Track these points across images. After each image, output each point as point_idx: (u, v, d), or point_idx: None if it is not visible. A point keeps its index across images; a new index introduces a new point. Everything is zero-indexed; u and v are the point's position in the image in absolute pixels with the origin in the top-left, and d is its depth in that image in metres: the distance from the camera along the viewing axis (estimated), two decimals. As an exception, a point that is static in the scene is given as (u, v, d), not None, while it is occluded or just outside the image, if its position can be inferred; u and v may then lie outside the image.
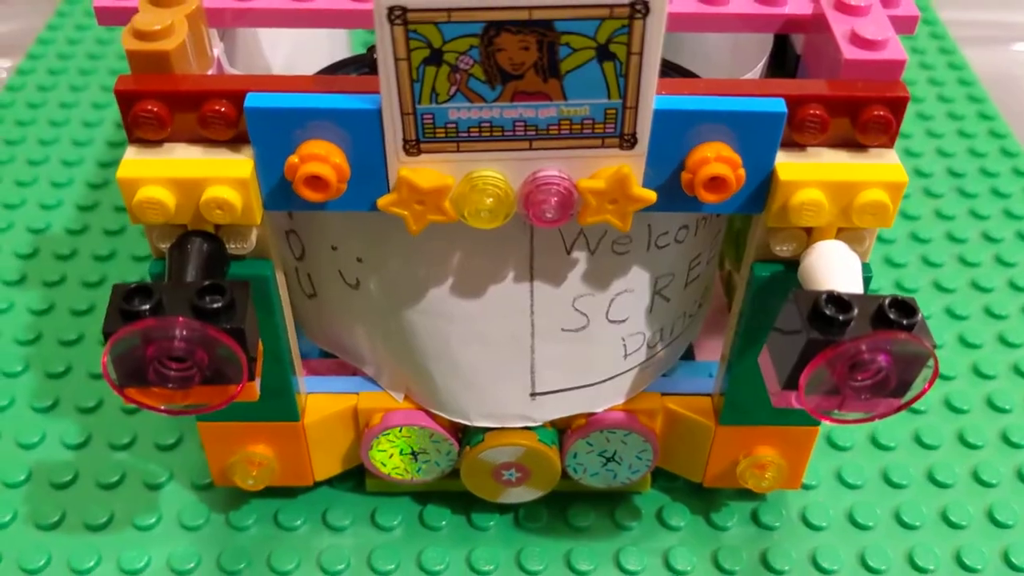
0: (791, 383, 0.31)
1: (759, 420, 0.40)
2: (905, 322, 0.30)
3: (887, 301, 0.30)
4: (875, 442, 0.47)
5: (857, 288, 0.32)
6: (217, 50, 0.36)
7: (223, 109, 0.32)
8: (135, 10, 0.34)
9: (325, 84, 0.32)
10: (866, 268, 0.35)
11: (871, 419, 0.32)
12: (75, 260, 0.56)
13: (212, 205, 0.32)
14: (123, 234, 0.58)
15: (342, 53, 0.49)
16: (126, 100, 0.32)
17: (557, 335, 0.39)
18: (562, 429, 0.42)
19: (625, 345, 0.40)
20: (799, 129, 0.33)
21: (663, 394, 0.42)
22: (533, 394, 0.40)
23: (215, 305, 0.30)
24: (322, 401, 0.41)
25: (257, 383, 0.32)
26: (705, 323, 0.46)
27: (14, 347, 0.51)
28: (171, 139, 0.33)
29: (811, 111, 0.32)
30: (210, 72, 0.35)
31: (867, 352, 0.30)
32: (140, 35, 0.32)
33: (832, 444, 0.47)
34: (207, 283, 0.31)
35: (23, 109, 0.68)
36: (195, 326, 0.30)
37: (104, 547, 0.43)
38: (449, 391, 0.40)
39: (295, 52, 0.46)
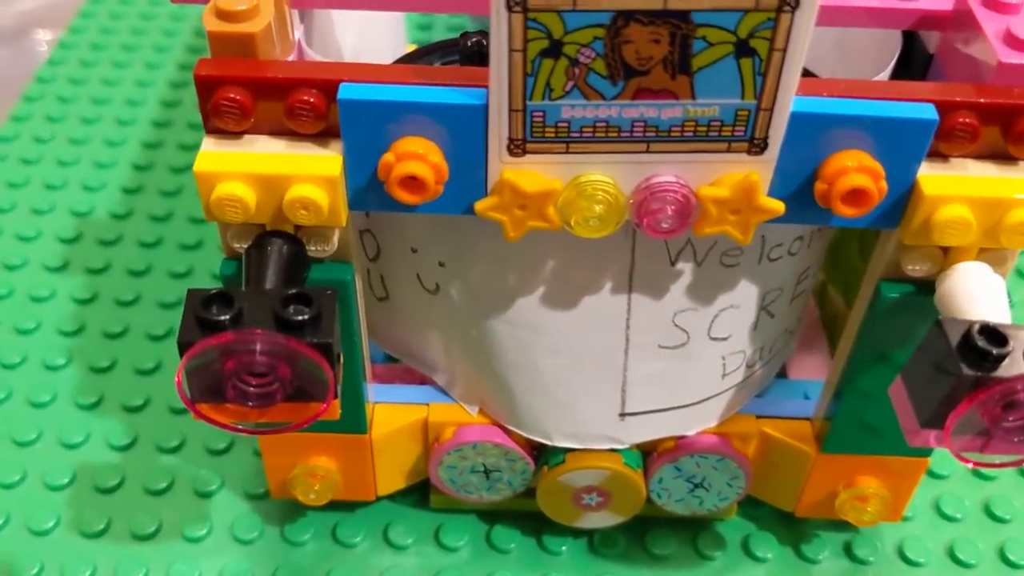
0: (934, 422, 0.28)
1: (864, 449, 0.37)
2: (1068, 358, 0.27)
3: (1046, 333, 0.27)
4: (976, 471, 0.44)
5: (1005, 317, 0.29)
6: (298, 32, 0.33)
7: (313, 100, 0.29)
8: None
9: (425, 75, 0.29)
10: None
11: (1020, 463, 0.29)
12: (120, 246, 0.53)
13: (297, 205, 0.29)
14: (169, 221, 0.55)
15: (401, 37, 0.46)
16: (207, 87, 0.29)
17: (653, 352, 0.35)
18: (648, 452, 0.39)
19: (724, 364, 0.37)
20: (947, 138, 0.29)
21: (758, 417, 0.39)
22: (622, 414, 0.37)
23: (301, 317, 0.27)
24: (390, 412, 0.39)
25: (339, 400, 0.29)
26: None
27: (57, 338, 0.48)
28: (252, 130, 0.30)
29: (962, 119, 0.29)
30: (291, 57, 0.32)
31: (1024, 392, 0.27)
32: (223, 15, 0.29)
33: (929, 472, 0.44)
34: (292, 292, 0.28)
35: (65, 85, 0.65)
36: (280, 340, 0.27)
37: (152, 559, 0.40)
38: (530, 407, 0.37)
39: (361, 36, 0.43)
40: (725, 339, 0.36)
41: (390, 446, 0.39)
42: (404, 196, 0.29)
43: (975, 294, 0.30)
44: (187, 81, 0.65)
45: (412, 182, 0.29)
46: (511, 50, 0.27)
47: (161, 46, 0.68)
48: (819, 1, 0.26)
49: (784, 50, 0.27)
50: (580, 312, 0.35)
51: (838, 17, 0.33)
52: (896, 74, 0.36)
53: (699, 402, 0.37)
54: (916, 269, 0.32)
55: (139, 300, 0.50)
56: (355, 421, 0.37)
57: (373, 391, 0.39)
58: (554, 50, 0.27)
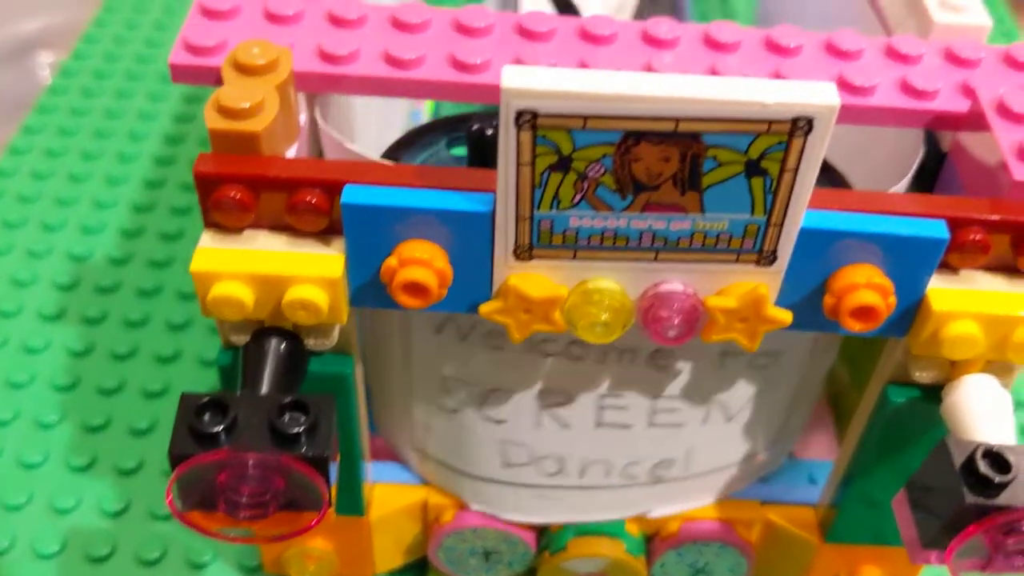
0: (937, 543, 0.28)
1: (868, 539, 0.37)
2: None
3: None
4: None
5: (1010, 435, 0.29)
6: (304, 115, 0.33)
7: (315, 200, 0.29)
8: (216, 72, 0.31)
9: (430, 177, 0.29)
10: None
11: (1022, 584, 0.29)
12: (117, 295, 0.53)
13: (296, 306, 0.29)
14: (169, 267, 0.54)
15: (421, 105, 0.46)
16: (207, 184, 0.29)
17: (649, 433, 0.35)
18: (650, 536, 0.38)
19: (726, 448, 0.36)
20: (958, 252, 0.29)
21: (762, 502, 0.38)
22: (620, 486, 0.37)
23: (296, 429, 0.27)
24: (389, 493, 0.38)
25: (334, 507, 0.29)
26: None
27: (50, 393, 0.48)
28: (253, 224, 0.30)
29: (973, 236, 0.29)
30: (296, 146, 0.31)
31: (1030, 520, 0.27)
32: (226, 112, 0.29)
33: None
34: (288, 400, 0.27)
35: (66, 116, 0.64)
36: (273, 457, 0.26)
37: (143, 632, 0.40)
38: (526, 496, 0.37)
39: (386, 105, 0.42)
40: (728, 422, 0.35)
41: (389, 526, 0.38)
42: (407, 301, 0.29)
43: (981, 412, 0.29)
44: (192, 115, 0.65)
45: (416, 287, 0.28)
46: (519, 164, 0.26)
47: (166, 75, 0.68)
48: (832, 124, 0.25)
49: (796, 170, 0.26)
50: (575, 406, 0.35)
51: (850, 116, 0.32)
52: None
53: (702, 475, 0.37)
54: (923, 375, 0.31)
55: (135, 354, 0.50)
56: (353, 504, 0.37)
57: (372, 469, 0.38)
58: (563, 165, 0.26)
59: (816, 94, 0.25)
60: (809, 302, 0.30)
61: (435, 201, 0.28)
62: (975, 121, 0.31)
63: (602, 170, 0.27)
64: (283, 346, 0.30)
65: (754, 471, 0.38)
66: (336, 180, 0.28)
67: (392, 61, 0.32)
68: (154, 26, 0.72)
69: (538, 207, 0.27)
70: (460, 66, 0.32)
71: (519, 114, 0.25)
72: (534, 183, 0.27)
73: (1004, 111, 0.31)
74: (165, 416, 0.47)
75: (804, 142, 0.26)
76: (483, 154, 0.33)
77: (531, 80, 0.25)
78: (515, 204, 0.27)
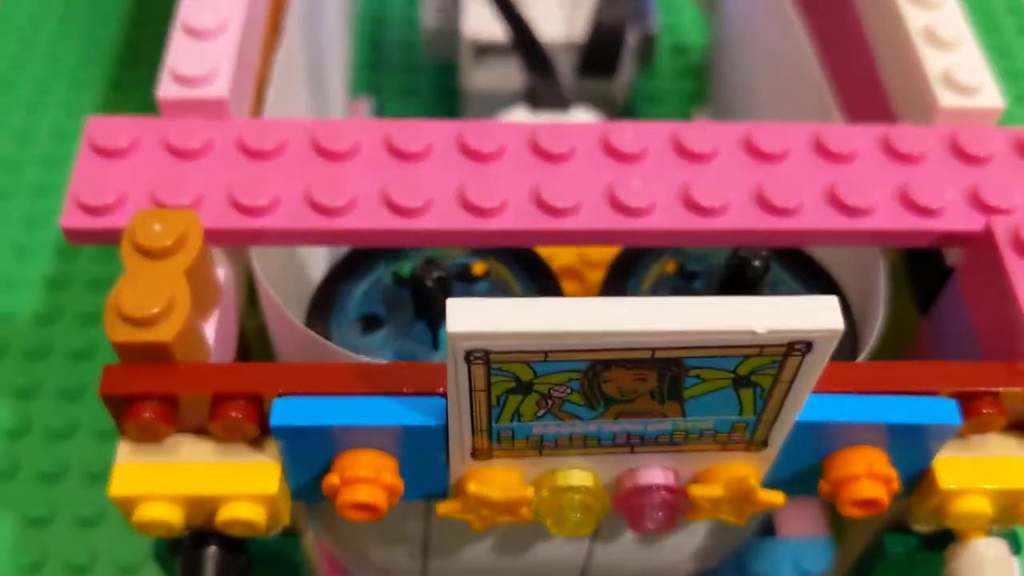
0: None
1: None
2: None
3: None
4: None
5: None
6: (223, 271, 0.29)
7: (240, 415, 0.25)
8: (116, 233, 0.27)
9: (371, 380, 0.25)
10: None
11: None
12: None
13: (231, 524, 0.26)
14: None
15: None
16: (117, 403, 0.25)
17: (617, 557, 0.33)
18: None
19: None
20: (967, 422, 0.26)
21: (746, 601, 0.36)
22: None
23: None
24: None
25: None
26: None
27: None
28: (177, 428, 0.26)
29: (987, 409, 0.26)
30: (216, 314, 0.28)
31: None
32: (130, 321, 0.24)
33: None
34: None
35: None
36: None
37: None
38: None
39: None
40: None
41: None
42: (355, 516, 0.25)
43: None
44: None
45: (362, 506, 0.25)
46: (472, 390, 0.23)
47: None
48: (835, 343, 0.22)
49: (791, 382, 0.23)
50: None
51: (844, 240, 0.29)
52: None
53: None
54: (923, 528, 0.29)
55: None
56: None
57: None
58: (523, 389, 0.23)
59: (815, 318, 0.21)
60: (804, 477, 0.27)
61: (379, 415, 0.25)
62: (987, 253, 0.28)
63: (568, 391, 0.23)
64: (221, 555, 0.27)
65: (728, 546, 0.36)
66: (262, 392, 0.25)
67: (318, 207, 0.28)
68: None
69: (496, 421, 0.24)
70: (395, 208, 0.28)
71: (469, 352, 0.22)
72: (490, 404, 0.23)
73: (1021, 246, 0.27)
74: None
75: (801, 360, 0.22)
76: (423, 298, 0.29)
77: (480, 322, 0.21)
78: (470, 421, 0.24)
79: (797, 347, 0.22)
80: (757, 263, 0.29)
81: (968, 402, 0.26)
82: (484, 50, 0.47)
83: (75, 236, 0.28)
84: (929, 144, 0.30)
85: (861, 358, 0.28)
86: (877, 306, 0.29)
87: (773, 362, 0.22)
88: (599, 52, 0.45)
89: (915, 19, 0.33)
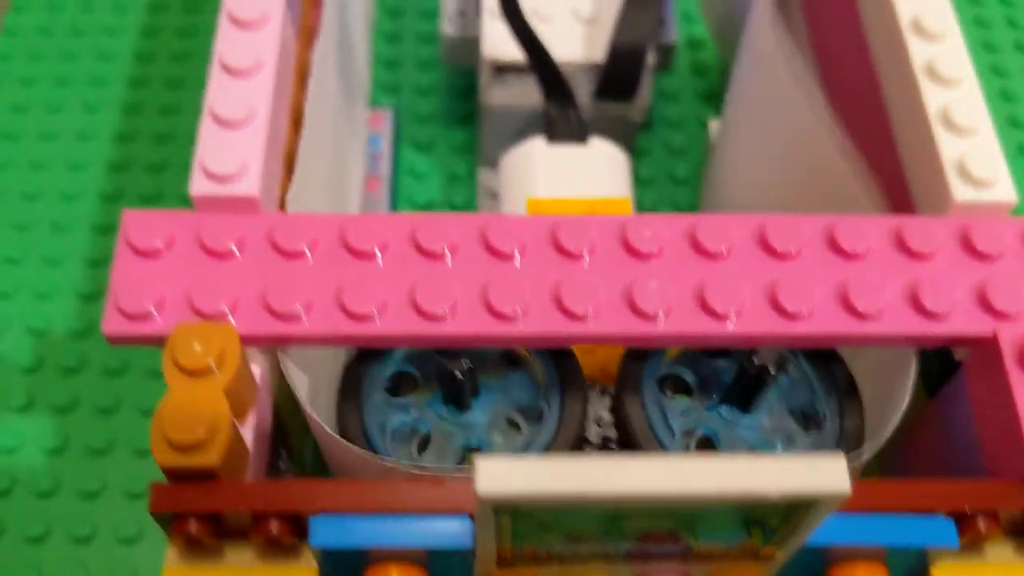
0: None
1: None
2: None
3: None
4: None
5: None
6: (258, 368, 0.30)
7: (278, 531, 0.27)
8: (156, 338, 0.28)
9: (403, 496, 0.27)
10: None
11: None
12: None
13: (274, 623, 0.28)
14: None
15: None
16: (165, 520, 0.27)
17: None
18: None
19: None
20: (964, 533, 0.27)
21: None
22: None
23: None
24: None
25: None
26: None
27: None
28: (220, 535, 0.28)
29: (983, 524, 0.27)
30: (255, 410, 0.29)
31: None
32: (175, 446, 0.26)
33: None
34: None
35: None
36: None
37: None
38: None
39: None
40: None
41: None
42: (388, 619, 0.27)
43: None
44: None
45: (395, 612, 0.27)
46: (499, 527, 0.24)
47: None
48: (841, 499, 0.23)
49: (798, 525, 0.24)
50: None
51: (853, 341, 0.30)
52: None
53: None
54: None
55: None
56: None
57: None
58: (546, 527, 0.24)
59: (823, 479, 0.23)
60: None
61: (409, 536, 0.26)
62: (993, 361, 0.29)
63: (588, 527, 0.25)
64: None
65: None
66: (299, 510, 0.26)
67: (348, 313, 0.29)
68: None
69: (520, 546, 0.26)
70: (422, 314, 0.29)
71: (497, 507, 0.23)
72: (514, 535, 0.25)
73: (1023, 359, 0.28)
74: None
75: (808, 511, 0.24)
76: (452, 386, 0.31)
77: (509, 484, 0.22)
78: (495, 551, 0.26)
79: (806, 503, 0.23)
80: (772, 370, 0.30)
81: (966, 518, 0.27)
82: (503, 69, 0.47)
83: (117, 340, 0.29)
84: (941, 239, 0.30)
85: (872, 447, 0.30)
86: (898, 400, 0.30)
87: (781, 511, 0.24)
88: (617, 77, 0.45)
89: (933, 98, 0.33)
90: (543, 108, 0.45)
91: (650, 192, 0.54)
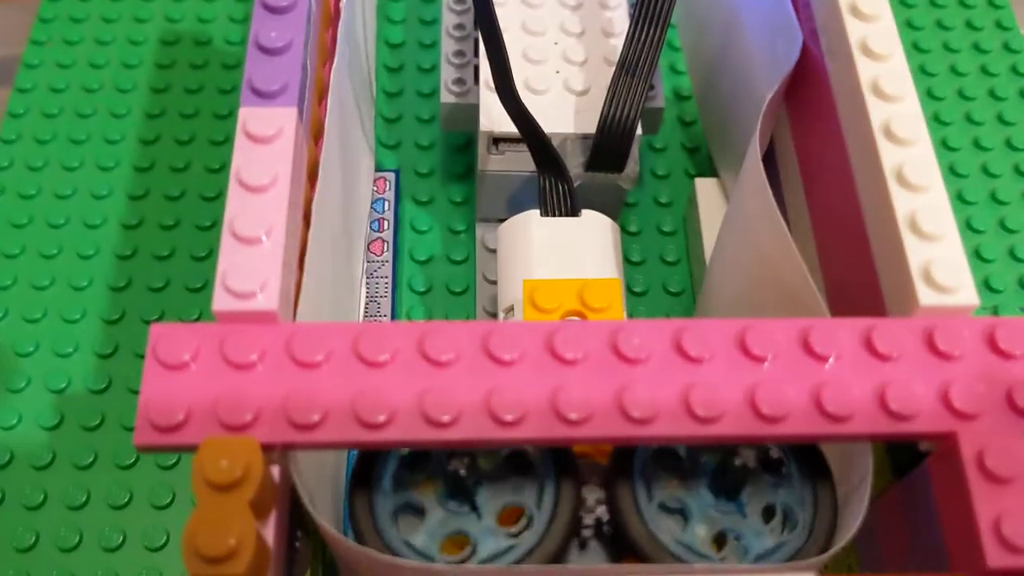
0: None
1: None
2: None
3: None
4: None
5: None
6: (276, 469, 0.32)
7: (304, 632, 0.29)
8: (185, 447, 0.31)
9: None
10: None
11: None
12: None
13: None
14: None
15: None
16: (196, 623, 0.29)
17: None
18: None
19: None
20: (926, 623, 0.30)
21: None
22: None
23: None
24: None
25: None
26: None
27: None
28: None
29: (943, 618, 0.30)
30: (272, 511, 0.32)
31: None
32: (207, 559, 0.29)
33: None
34: None
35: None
36: None
37: None
38: None
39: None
40: None
41: None
42: None
43: None
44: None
45: None
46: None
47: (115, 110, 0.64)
48: None
49: (772, 629, 0.27)
50: None
51: (824, 438, 0.32)
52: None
53: None
54: None
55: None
56: None
57: None
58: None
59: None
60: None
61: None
62: (954, 467, 0.31)
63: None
64: None
65: None
66: (323, 614, 0.29)
67: (362, 422, 0.31)
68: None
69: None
70: (430, 421, 0.32)
71: None
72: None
73: (984, 471, 0.30)
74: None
75: (779, 621, 0.26)
76: (459, 485, 0.33)
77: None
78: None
79: (778, 616, 0.26)
80: (752, 466, 0.33)
81: (927, 611, 0.30)
82: (499, 140, 0.50)
83: (148, 450, 0.31)
84: (907, 342, 0.33)
85: (838, 545, 0.32)
86: (859, 499, 0.32)
87: (757, 622, 0.26)
88: (607, 151, 0.48)
89: (902, 203, 0.35)
90: (537, 182, 0.47)
91: (638, 244, 0.57)
